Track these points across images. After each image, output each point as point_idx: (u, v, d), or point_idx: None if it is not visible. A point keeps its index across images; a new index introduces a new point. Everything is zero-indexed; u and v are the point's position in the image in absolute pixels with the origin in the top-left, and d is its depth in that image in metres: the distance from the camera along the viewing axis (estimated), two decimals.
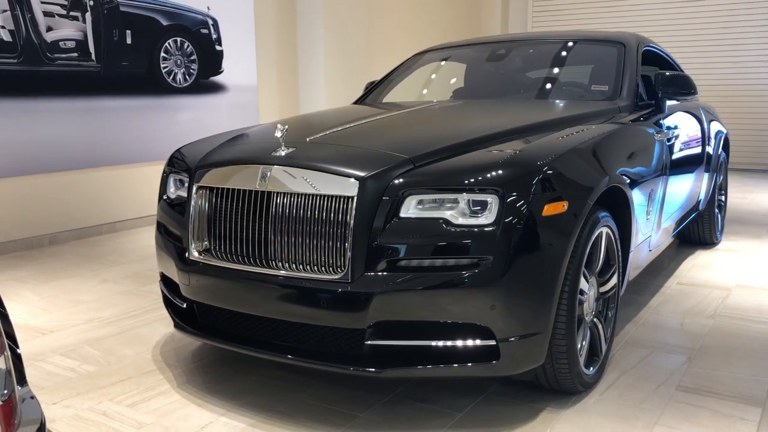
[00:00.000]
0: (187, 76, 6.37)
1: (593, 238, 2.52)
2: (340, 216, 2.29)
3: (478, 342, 2.24)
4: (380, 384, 2.66)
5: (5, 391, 1.15)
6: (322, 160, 2.43)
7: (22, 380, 1.28)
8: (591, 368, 2.61)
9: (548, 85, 3.86)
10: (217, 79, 6.69)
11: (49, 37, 5.24)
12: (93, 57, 5.57)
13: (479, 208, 2.24)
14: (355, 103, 4.25)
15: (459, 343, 2.25)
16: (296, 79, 7.59)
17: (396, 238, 2.24)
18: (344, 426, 2.38)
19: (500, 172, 2.29)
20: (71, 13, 5.38)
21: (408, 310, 2.23)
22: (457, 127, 3.03)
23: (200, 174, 2.66)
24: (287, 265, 2.38)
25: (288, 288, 2.36)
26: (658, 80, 3.62)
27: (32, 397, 1.28)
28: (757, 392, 2.62)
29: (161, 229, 2.89)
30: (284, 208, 2.39)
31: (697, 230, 4.88)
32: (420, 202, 2.27)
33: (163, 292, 2.96)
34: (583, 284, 2.51)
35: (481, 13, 11.01)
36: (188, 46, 6.34)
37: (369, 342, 2.28)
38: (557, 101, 3.67)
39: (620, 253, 2.84)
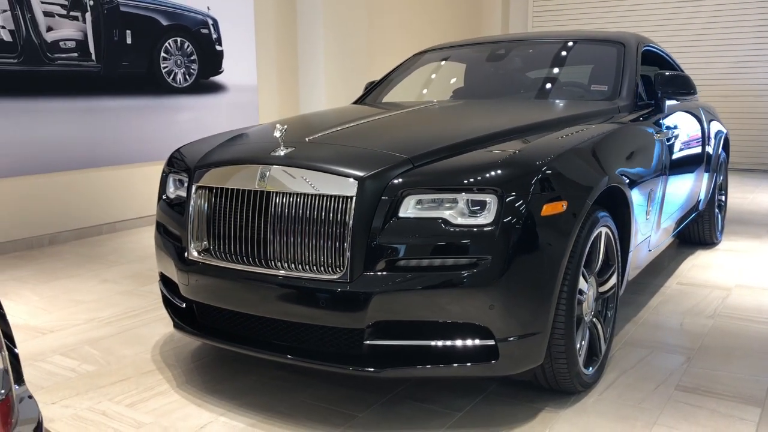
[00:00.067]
0: (187, 76, 6.37)
1: (592, 238, 2.52)
2: (339, 216, 2.29)
3: (477, 342, 2.24)
4: (379, 384, 2.66)
5: (2, 391, 1.15)
6: (321, 160, 2.43)
7: (19, 379, 1.28)
8: (590, 368, 2.61)
9: (548, 85, 3.86)
10: (217, 79, 6.69)
11: (49, 37, 5.24)
12: (93, 57, 5.58)
13: (478, 208, 2.24)
14: (355, 103, 4.25)
15: (458, 342, 2.25)
16: (296, 79, 7.59)
17: (395, 238, 2.24)
18: (344, 426, 2.38)
19: (499, 171, 2.29)
20: (71, 13, 5.39)
21: (407, 310, 2.23)
22: (457, 127, 3.03)
23: (199, 174, 2.66)
24: (286, 264, 2.38)
25: (287, 288, 2.36)
26: (658, 80, 3.62)
27: (30, 397, 1.28)
28: (756, 392, 2.61)
29: (161, 229, 2.90)
30: (283, 208, 2.39)
31: (697, 230, 4.88)
32: (419, 202, 2.27)
33: (162, 292, 2.96)
34: (582, 284, 2.51)
35: (481, 13, 11.01)
36: (188, 46, 6.35)
37: (368, 342, 2.28)
38: (557, 101, 3.67)
39: (619, 253, 2.84)
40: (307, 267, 2.34)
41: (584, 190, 2.46)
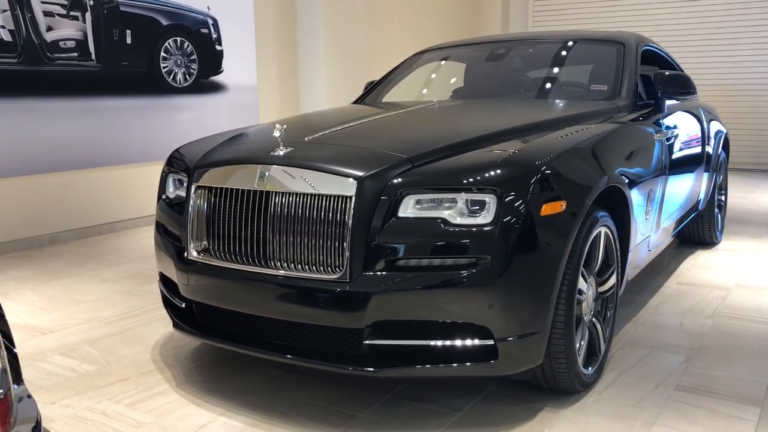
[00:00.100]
0: (187, 76, 6.37)
1: (592, 238, 2.52)
2: (338, 216, 2.29)
3: (476, 341, 2.24)
4: (379, 383, 2.66)
5: (1, 390, 1.15)
6: (320, 159, 2.44)
7: (18, 379, 1.28)
8: (589, 368, 2.61)
9: (547, 85, 3.86)
10: (217, 79, 6.70)
11: (49, 37, 5.24)
12: (93, 57, 5.58)
13: (477, 207, 2.24)
14: (355, 102, 4.25)
15: (457, 342, 2.25)
16: (296, 79, 7.59)
17: (394, 237, 2.24)
18: (343, 425, 2.38)
19: (498, 171, 2.29)
20: (71, 13, 5.39)
21: (406, 310, 2.23)
22: (456, 126, 3.03)
23: (199, 174, 2.66)
24: (286, 264, 2.38)
25: (286, 288, 2.36)
26: (658, 80, 3.62)
27: (28, 396, 1.28)
28: (755, 392, 2.62)
29: (160, 228, 2.90)
30: (283, 208, 2.39)
31: (697, 230, 4.88)
32: (418, 202, 2.27)
33: (162, 291, 2.96)
34: (582, 284, 2.51)
35: (481, 13, 11.01)
36: (188, 45, 6.35)
37: (367, 341, 2.28)
38: (556, 101, 3.67)
39: (619, 253, 2.84)
40: (307, 267, 2.35)
41: (583, 190, 2.46)
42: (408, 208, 2.27)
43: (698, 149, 4.27)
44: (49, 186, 5.35)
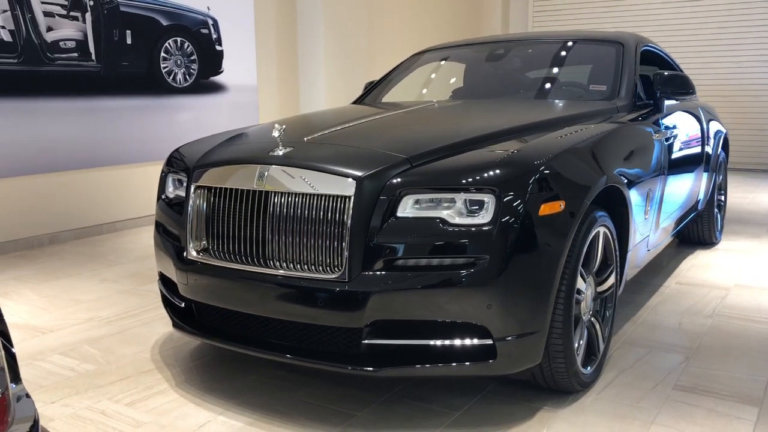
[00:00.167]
0: (187, 76, 6.38)
1: (590, 238, 2.52)
2: (337, 215, 2.30)
3: (475, 341, 2.25)
4: (378, 383, 2.66)
5: None
6: (319, 159, 2.44)
7: (16, 378, 1.29)
8: (588, 367, 2.61)
9: (547, 85, 3.87)
10: (217, 79, 6.70)
11: (49, 37, 5.25)
12: (93, 57, 5.58)
13: (476, 207, 2.24)
14: (354, 102, 4.26)
15: (456, 342, 2.25)
16: (296, 79, 7.60)
17: (393, 237, 2.24)
18: (342, 425, 2.39)
19: (497, 171, 2.29)
20: (71, 13, 5.39)
21: (405, 310, 2.24)
22: (455, 126, 3.03)
23: (198, 174, 2.67)
24: (285, 264, 2.39)
25: (286, 287, 2.36)
26: (657, 80, 3.62)
27: (27, 396, 1.29)
28: (754, 391, 2.62)
29: (160, 228, 2.90)
30: (282, 208, 2.39)
31: (697, 230, 4.88)
32: (417, 202, 2.28)
33: (161, 291, 2.97)
34: (581, 284, 2.51)
35: (481, 13, 11.01)
36: (188, 46, 6.35)
37: (366, 341, 2.28)
38: (556, 101, 3.67)
39: (618, 253, 2.84)
40: (306, 266, 2.35)
41: (582, 190, 2.46)
42: (407, 208, 2.27)
43: (697, 149, 4.27)
44: (49, 186, 5.35)
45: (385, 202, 2.27)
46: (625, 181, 2.85)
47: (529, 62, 4.12)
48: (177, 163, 2.93)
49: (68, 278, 4.32)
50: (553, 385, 2.52)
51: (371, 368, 2.27)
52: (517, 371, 2.34)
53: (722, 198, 5.27)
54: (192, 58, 6.40)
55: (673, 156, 3.67)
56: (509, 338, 2.24)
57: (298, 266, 2.36)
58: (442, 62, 4.40)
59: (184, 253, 2.64)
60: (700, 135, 4.35)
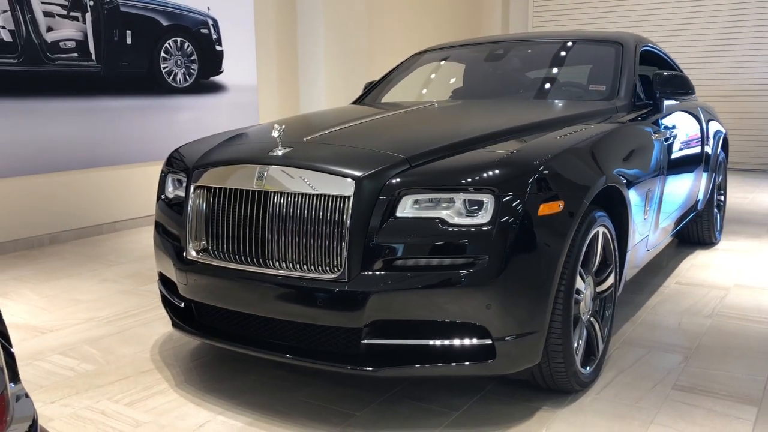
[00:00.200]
0: (187, 76, 6.38)
1: (589, 238, 2.52)
2: (336, 215, 2.30)
3: (474, 341, 2.25)
4: (377, 383, 2.66)
5: None
6: (318, 159, 2.44)
7: (15, 378, 1.29)
8: (587, 367, 2.61)
9: (546, 85, 3.87)
10: (217, 79, 6.70)
11: (50, 37, 5.25)
12: (93, 57, 5.59)
13: (475, 207, 2.24)
14: (354, 103, 4.26)
15: (455, 342, 2.25)
16: (296, 79, 7.60)
17: (392, 237, 2.25)
18: (341, 425, 2.39)
19: (496, 171, 2.29)
20: (71, 14, 5.40)
21: (404, 310, 2.24)
22: (455, 126, 3.03)
23: (198, 174, 2.67)
24: (284, 264, 2.39)
25: (285, 287, 2.37)
26: (656, 80, 3.62)
27: (26, 395, 1.29)
28: (753, 391, 2.62)
29: (159, 228, 2.91)
30: (281, 208, 2.40)
31: (696, 230, 4.88)
32: (416, 202, 2.28)
33: (161, 291, 2.97)
34: (580, 284, 2.51)
35: (481, 13, 11.02)
36: (188, 46, 6.36)
37: (366, 341, 2.29)
38: (555, 101, 3.68)
39: (617, 253, 2.84)
40: (305, 266, 2.35)
41: (581, 190, 2.47)
42: (406, 208, 2.27)
43: (697, 149, 4.28)
44: (49, 186, 5.35)
45: (384, 202, 2.28)
46: (625, 181, 2.86)
47: (528, 62, 4.12)
48: (177, 163, 2.93)
49: (68, 278, 4.33)
50: (552, 385, 2.53)
51: (371, 368, 2.27)
52: (517, 371, 2.34)
53: (722, 198, 5.27)
54: (192, 58, 6.40)
55: (673, 156, 3.67)
56: (508, 338, 2.24)
57: (298, 266, 2.36)
58: (442, 62, 4.40)
59: (184, 253, 2.64)
60: (699, 135, 4.35)
